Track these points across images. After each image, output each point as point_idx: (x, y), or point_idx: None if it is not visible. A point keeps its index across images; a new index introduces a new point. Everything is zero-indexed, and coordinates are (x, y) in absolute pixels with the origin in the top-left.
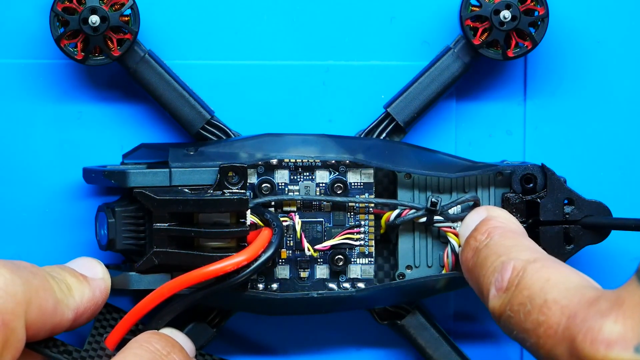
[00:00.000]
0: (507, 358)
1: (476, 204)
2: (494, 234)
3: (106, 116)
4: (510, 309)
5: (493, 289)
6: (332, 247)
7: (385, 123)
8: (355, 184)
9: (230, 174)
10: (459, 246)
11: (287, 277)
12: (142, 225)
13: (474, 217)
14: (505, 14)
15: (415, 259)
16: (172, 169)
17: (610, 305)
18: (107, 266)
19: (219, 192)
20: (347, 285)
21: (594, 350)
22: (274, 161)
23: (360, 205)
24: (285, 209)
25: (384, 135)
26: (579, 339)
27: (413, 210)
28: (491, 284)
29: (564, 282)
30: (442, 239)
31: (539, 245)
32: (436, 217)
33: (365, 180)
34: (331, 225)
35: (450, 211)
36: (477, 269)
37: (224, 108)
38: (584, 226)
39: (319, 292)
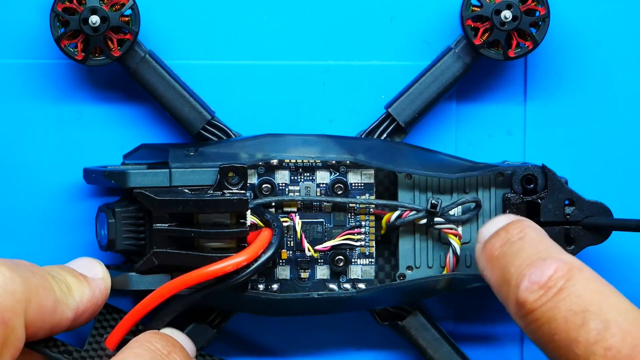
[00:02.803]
0: (507, 359)
1: (477, 205)
2: (529, 231)
3: (106, 116)
4: (555, 312)
5: (526, 281)
6: (333, 247)
7: (386, 123)
8: (356, 184)
9: (230, 174)
10: (460, 247)
11: (288, 277)
12: (142, 226)
13: (502, 218)
14: (506, 14)
15: (415, 259)
16: (172, 170)
17: None
18: (107, 266)
19: (219, 193)
20: (347, 285)
21: None
22: (275, 161)
23: (361, 206)
24: (286, 209)
25: (384, 135)
26: None
27: (414, 212)
28: (525, 276)
29: (620, 303)
30: (442, 240)
31: None
32: (437, 219)
33: (366, 181)
34: (332, 225)
35: (451, 212)
36: (507, 257)
37: (224, 108)
38: (585, 227)
39: (320, 292)
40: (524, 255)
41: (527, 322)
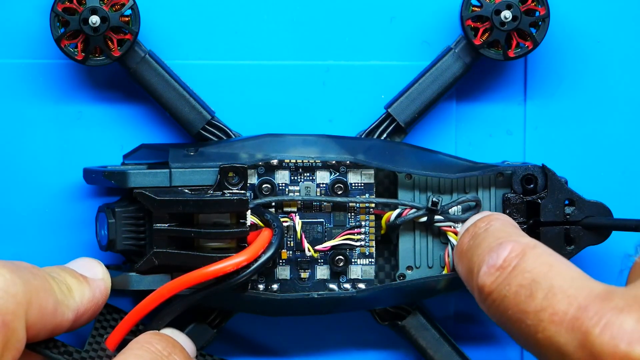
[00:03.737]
0: (507, 359)
1: (477, 204)
2: (494, 222)
3: (106, 116)
4: (507, 289)
5: (485, 266)
6: (333, 247)
7: (386, 123)
8: (356, 184)
9: (230, 174)
10: None
11: (288, 277)
12: (142, 226)
13: (476, 216)
14: (506, 14)
15: (415, 259)
16: (172, 170)
17: (628, 303)
18: (107, 267)
19: (219, 193)
20: (347, 285)
21: (612, 346)
22: (275, 162)
23: (361, 205)
24: (286, 209)
25: (384, 135)
26: (595, 332)
27: (414, 210)
28: (484, 262)
29: (568, 271)
30: (442, 239)
31: None
32: (437, 217)
33: (366, 181)
34: (332, 225)
35: (451, 211)
36: (472, 249)
37: (224, 108)
38: (585, 227)
39: (320, 292)
40: (485, 244)
41: (487, 305)
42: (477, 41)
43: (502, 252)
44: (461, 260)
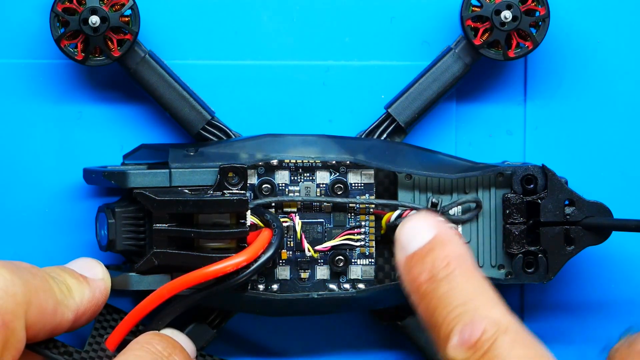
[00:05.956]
0: None
1: (478, 205)
2: (454, 267)
3: (106, 116)
4: None
5: (456, 338)
6: (333, 247)
7: (386, 124)
8: (356, 184)
9: (230, 174)
10: None
11: (288, 277)
12: (142, 226)
13: (422, 226)
14: (506, 14)
15: None
16: (172, 170)
17: None
18: (107, 267)
19: (218, 193)
20: (347, 286)
21: None
22: (275, 162)
23: (361, 206)
24: (286, 209)
25: (384, 135)
26: None
27: (414, 211)
28: (454, 331)
29: None
30: None
31: (539, 246)
32: None
33: (366, 181)
34: (331, 226)
35: (451, 212)
36: (435, 301)
37: (224, 108)
38: (585, 227)
39: (320, 292)
40: (451, 304)
41: None
42: (477, 41)
43: (475, 331)
44: (419, 299)
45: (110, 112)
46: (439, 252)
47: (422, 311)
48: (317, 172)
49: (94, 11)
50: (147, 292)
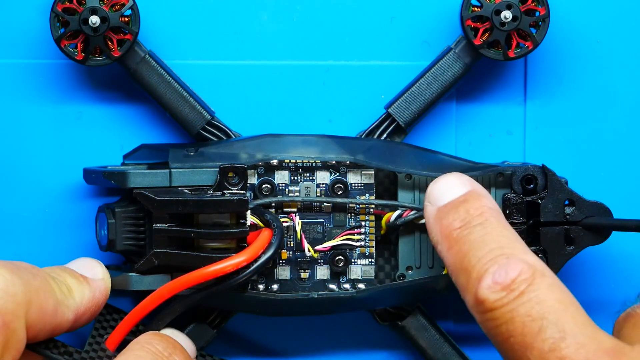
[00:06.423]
0: None
1: None
2: (489, 215)
3: (106, 116)
4: (512, 314)
5: (489, 279)
6: (333, 247)
7: (386, 124)
8: (356, 184)
9: (230, 174)
10: None
11: (288, 278)
12: (142, 226)
13: (455, 182)
14: (506, 14)
15: (415, 259)
16: (172, 170)
17: None
18: (107, 267)
19: (219, 193)
20: (347, 286)
21: None
22: (275, 162)
23: (361, 206)
24: (286, 209)
25: (384, 135)
26: None
27: (414, 212)
28: (487, 272)
29: (579, 315)
30: None
31: (539, 246)
32: None
33: (366, 181)
34: (332, 226)
35: None
36: (468, 244)
37: (224, 108)
38: (585, 227)
39: (320, 293)
40: (486, 247)
41: (485, 318)
42: (477, 41)
43: (511, 271)
44: (449, 246)
45: (110, 112)
46: (473, 202)
47: (452, 255)
48: (317, 172)
49: (94, 11)
50: (147, 292)
